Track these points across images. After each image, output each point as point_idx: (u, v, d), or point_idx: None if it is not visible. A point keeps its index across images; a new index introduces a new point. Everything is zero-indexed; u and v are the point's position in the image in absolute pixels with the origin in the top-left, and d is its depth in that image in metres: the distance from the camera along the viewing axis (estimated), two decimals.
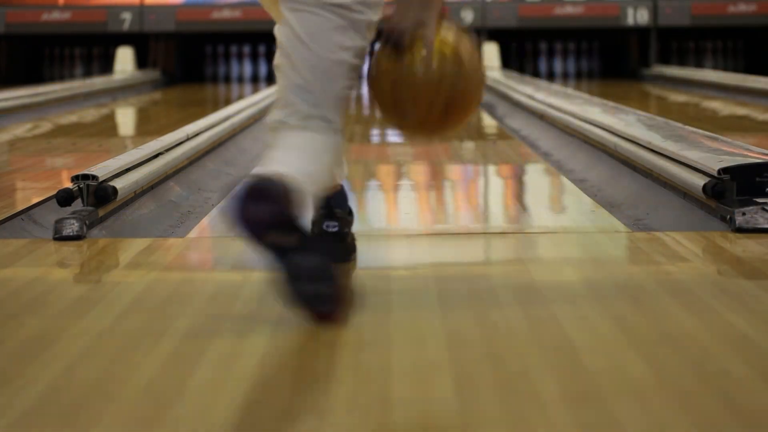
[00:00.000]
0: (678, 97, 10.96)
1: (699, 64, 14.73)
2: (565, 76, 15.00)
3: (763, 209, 3.51)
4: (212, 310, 2.60)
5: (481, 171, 5.75)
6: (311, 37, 2.64)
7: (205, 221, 4.14)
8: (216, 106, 8.60)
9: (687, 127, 5.87)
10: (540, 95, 8.84)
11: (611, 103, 8.02)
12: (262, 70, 14.39)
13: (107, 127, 8.69)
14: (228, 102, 9.68)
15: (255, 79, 14.26)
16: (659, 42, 14.55)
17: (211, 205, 4.62)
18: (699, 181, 3.95)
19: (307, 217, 2.48)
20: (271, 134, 2.67)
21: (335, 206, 3.12)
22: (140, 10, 13.98)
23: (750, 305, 2.59)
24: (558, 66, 15.35)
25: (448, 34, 2.61)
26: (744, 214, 3.51)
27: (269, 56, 13.79)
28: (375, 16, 2.69)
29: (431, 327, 2.43)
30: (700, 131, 5.52)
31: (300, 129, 2.63)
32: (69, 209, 3.67)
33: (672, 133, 5.27)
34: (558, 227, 3.96)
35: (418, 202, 4.70)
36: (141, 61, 14.27)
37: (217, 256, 3.34)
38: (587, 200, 4.51)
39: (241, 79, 14.52)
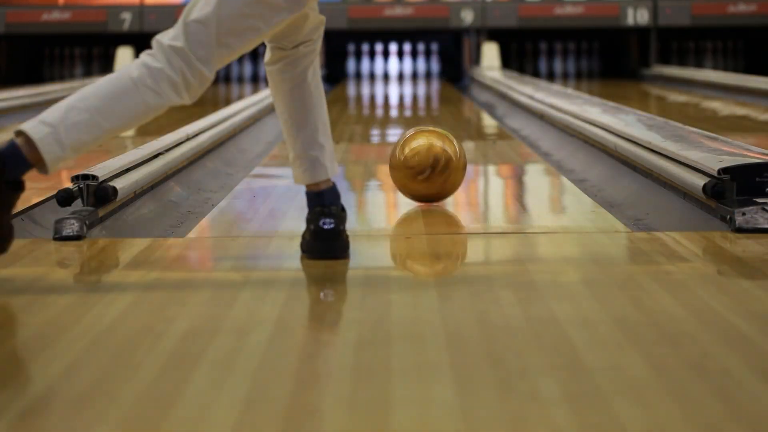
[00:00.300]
0: (678, 97, 10.96)
1: (699, 64, 14.73)
2: (565, 76, 15.00)
3: (763, 209, 3.51)
4: (212, 310, 2.60)
5: (481, 171, 5.75)
6: None
7: (205, 221, 4.14)
8: (216, 106, 8.60)
9: (687, 127, 5.87)
10: (540, 95, 8.84)
11: (611, 103, 8.01)
12: (262, 70, 14.39)
13: None
14: (228, 102, 9.68)
15: (255, 79, 14.26)
16: (659, 42, 14.55)
17: (211, 205, 4.62)
18: (699, 181, 3.95)
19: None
20: None
21: (329, 203, 3.13)
22: (140, 10, 13.98)
23: (750, 305, 2.59)
24: (558, 66, 15.35)
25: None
26: (744, 214, 3.51)
27: None
28: None
29: (431, 327, 2.43)
30: (700, 131, 5.52)
31: None
32: (69, 209, 3.67)
33: (672, 133, 5.27)
34: (558, 227, 3.96)
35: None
36: None
37: (216, 256, 3.34)
38: (587, 200, 4.51)
39: (241, 79, 14.52)
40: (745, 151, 4.22)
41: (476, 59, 14.54)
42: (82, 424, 1.86)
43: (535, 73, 14.76)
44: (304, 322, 2.59)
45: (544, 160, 6.07)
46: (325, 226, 3.10)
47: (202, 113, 7.31)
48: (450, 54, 15.58)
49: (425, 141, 4.21)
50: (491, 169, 5.84)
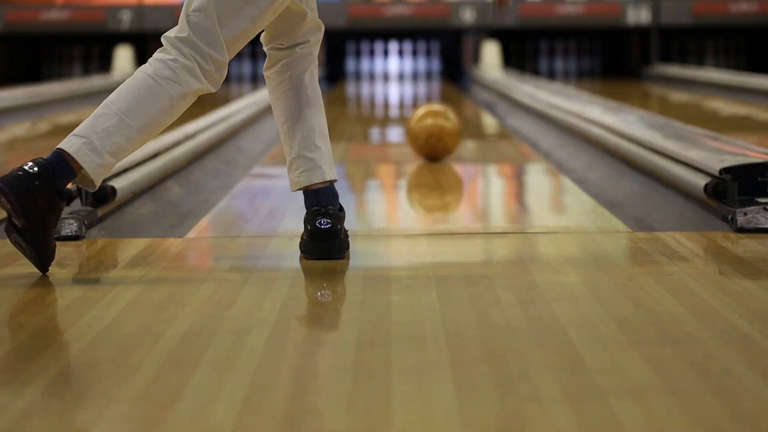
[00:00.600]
0: (679, 96, 10.96)
1: (700, 64, 14.73)
2: (566, 76, 15.00)
3: (765, 209, 3.50)
4: (212, 310, 2.60)
5: (482, 171, 5.74)
6: None
7: (204, 221, 4.14)
8: (215, 106, 8.60)
9: (688, 126, 5.86)
10: (541, 95, 8.84)
11: (612, 103, 8.01)
12: (262, 69, 14.39)
13: None
14: (227, 101, 9.68)
15: (254, 79, 14.26)
16: (660, 41, 14.55)
17: (211, 205, 4.61)
18: (700, 180, 3.95)
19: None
20: None
21: (327, 203, 3.13)
22: (139, 10, 13.98)
23: (751, 305, 2.58)
24: (559, 65, 15.36)
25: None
26: (745, 214, 3.50)
27: None
28: None
29: (431, 327, 2.42)
30: (702, 131, 5.51)
31: None
32: (68, 209, 3.66)
33: (673, 133, 5.27)
34: (558, 227, 3.96)
35: (418, 202, 4.69)
36: (140, 61, 14.28)
37: (216, 256, 3.34)
38: (588, 200, 4.51)
39: (240, 79, 14.52)
40: (747, 151, 4.22)
41: (476, 58, 14.54)
42: (81, 423, 1.86)
43: (536, 73, 14.76)
44: (303, 322, 2.58)
45: (544, 159, 6.07)
46: (322, 226, 3.10)
47: (202, 113, 7.31)
48: (450, 53, 15.58)
49: (425, 119, 5.70)
50: (491, 168, 5.84)
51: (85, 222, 3.57)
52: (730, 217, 3.56)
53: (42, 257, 2.88)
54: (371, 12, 14.22)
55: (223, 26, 2.92)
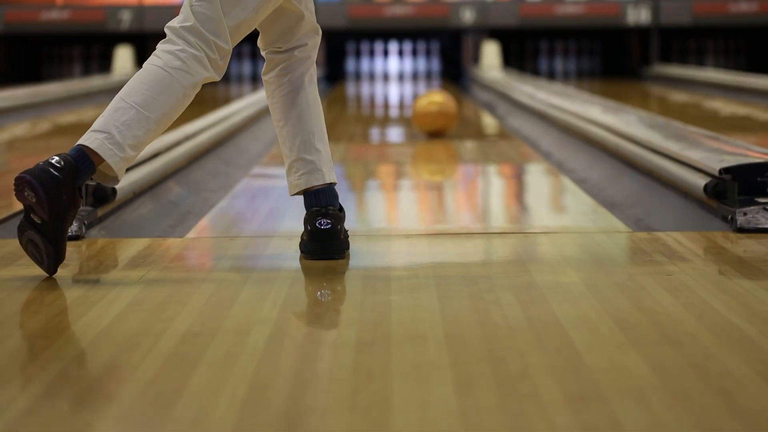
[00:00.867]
0: (679, 96, 10.96)
1: (700, 64, 14.73)
2: (566, 76, 15.00)
3: (765, 209, 3.50)
4: (212, 310, 2.60)
5: (481, 171, 5.74)
6: None
7: (204, 221, 4.14)
8: (215, 106, 8.60)
9: (688, 126, 5.86)
10: (541, 95, 8.84)
11: (612, 103, 8.01)
12: (261, 69, 14.38)
13: None
14: (227, 101, 9.68)
15: (254, 79, 14.26)
16: (660, 41, 14.55)
17: (211, 205, 4.61)
18: (700, 180, 3.95)
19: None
20: None
21: (327, 203, 3.13)
22: (139, 10, 13.98)
23: (751, 305, 2.58)
24: (559, 65, 15.35)
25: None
26: (745, 214, 3.50)
27: None
28: None
29: (431, 327, 2.42)
30: (702, 131, 5.51)
31: None
32: None
33: (673, 133, 5.27)
34: (558, 227, 3.96)
35: (418, 202, 4.69)
36: (140, 61, 14.28)
37: (216, 256, 3.34)
38: (588, 200, 4.51)
39: (240, 79, 14.52)
40: (747, 151, 4.22)
41: (476, 58, 14.54)
42: (81, 423, 1.86)
43: (536, 73, 14.76)
44: (303, 322, 2.58)
45: (544, 159, 6.07)
46: (322, 227, 3.10)
47: (202, 113, 7.31)
48: (450, 53, 15.58)
49: (427, 104, 7.05)
50: (491, 168, 5.84)
51: (85, 222, 3.57)
52: (729, 217, 3.56)
53: (58, 256, 2.87)
54: (371, 12, 14.22)
55: (226, 15, 2.94)
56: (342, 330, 2.49)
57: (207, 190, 5.21)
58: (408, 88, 13.22)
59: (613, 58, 15.24)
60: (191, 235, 3.82)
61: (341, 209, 3.19)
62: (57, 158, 2.83)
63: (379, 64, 15.57)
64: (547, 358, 2.18)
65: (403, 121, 9.23)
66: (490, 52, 14.31)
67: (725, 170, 3.77)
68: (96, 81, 12.50)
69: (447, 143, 6.87)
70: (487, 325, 2.43)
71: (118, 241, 3.52)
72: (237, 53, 14.15)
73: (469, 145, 6.85)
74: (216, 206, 4.50)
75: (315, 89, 3.21)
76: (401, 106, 11.11)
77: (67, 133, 7.67)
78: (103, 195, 3.85)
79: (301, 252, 3.17)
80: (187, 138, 5.81)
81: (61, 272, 3.00)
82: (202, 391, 2.00)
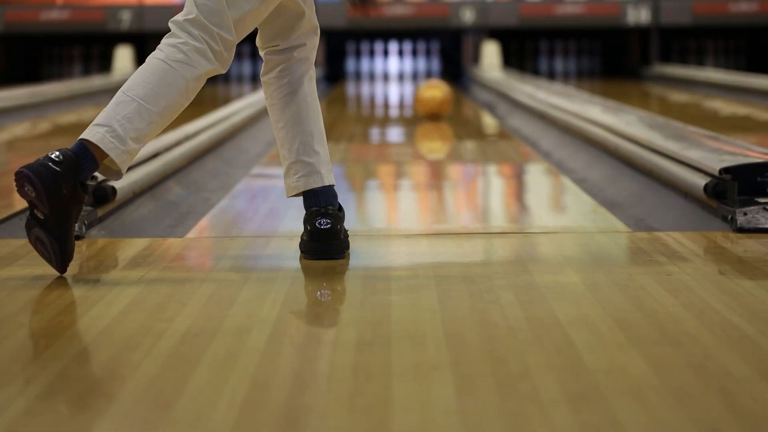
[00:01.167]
0: (679, 96, 10.96)
1: (700, 64, 14.73)
2: (566, 76, 14.99)
3: (765, 209, 3.50)
4: (212, 310, 2.60)
5: (481, 171, 5.74)
6: None
7: (204, 221, 4.14)
8: (215, 106, 8.60)
9: (688, 126, 5.86)
10: (541, 95, 8.84)
11: (612, 103, 8.01)
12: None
13: None
14: (227, 101, 9.68)
15: (254, 79, 14.26)
16: (660, 41, 14.55)
17: (211, 205, 4.61)
18: (700, 180, 3.95)
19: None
20: None
21: (326, 203, 3.13)
22: (139, 10, 13.98)
23: (751, 305, 2.58)
24: (559, 65, 15.35)
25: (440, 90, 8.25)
26: (745, 214, 3.50)
27: None
28: None
29: (431, 327, 2.42)
30: (702, 131, 5.51)
31: None
32: None
33: (673, 133, 5.27)
34: (558, 227, 3.96)
35: (418, 202, 4.69)
36: (140, 61, 14.27)
37: (216, 256, 3.34)
38: (588, 200, 4.51)
39: (240, 79, 14.52)
40: (747, 151, 4.22)
41: (476, 58, 14.54)
42: (81, 423, 1.86)
43: (536, 73, 14.76)
44: (303, 322, 2.58)
45: (544, 159, 6.07)
46: (322, 226, 3.10)
47: (202, 113, 7.31)
48: (450, 53, 15.58)
49: (427, 92, 8.41)
50: (491, 168, 5.84)
51: (85, 222, 3.57)
52: (729, 217, 3.56)
53: (64, 252, 2.86)
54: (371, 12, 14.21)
55: (230, 7, 2.93)
56: (342, 330, 2.49)
57: (207, 190, 5.21)
58: (408, 88, 13.22)
59: (613, 58, 15.24)
60: (191, 235, 3.82)
61: (341, 209, 3.19)
62: (57, 153, 2.83)
63: (379, 64, 15.56)
64: (547, 358, 2.18)
65: (403, 121, 9.23)
66: (490, 52, 14.31)
67: (725, 170, 3.77)
68: (96, 81, 12.50)
69: (445, 144, 6.86)
70: (487, 325, 2.43)
71: (118, 241, 3.52)
72: (237, 53, 14.13)
73: (469, 145, 6.85)
74: (216, 206, 4.50)
75: (314, 91, 3.20)
76: (401, 106, 11.11)
77: (67, 133, 7.67)
78: (103, 195, 3.85)
79: (301, 252, 3.17)
80: (187, 138, 5.81)
81: None
82: (202, 391, 2.00)
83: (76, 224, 3.47)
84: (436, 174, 5.60)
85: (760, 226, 3.47)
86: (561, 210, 4.48)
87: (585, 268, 3.05)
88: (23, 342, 2.37)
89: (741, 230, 3.48)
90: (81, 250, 3.33)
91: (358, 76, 15.37)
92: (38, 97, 10.14)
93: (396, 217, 4.34)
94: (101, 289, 2.81)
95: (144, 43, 14.31)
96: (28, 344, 2.35)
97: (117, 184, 3.96)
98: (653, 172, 4.75)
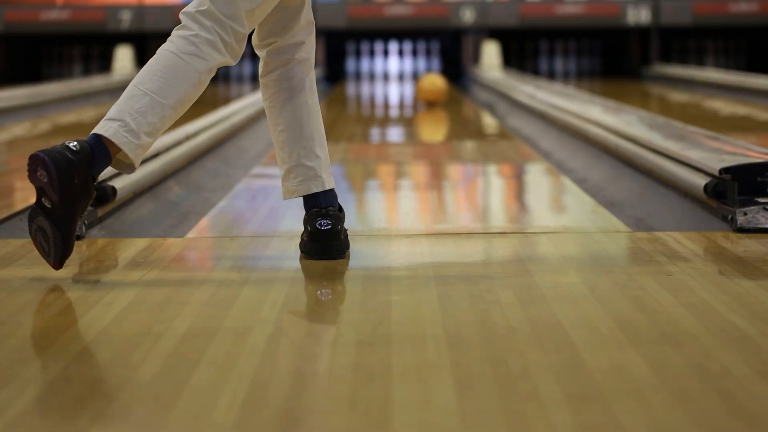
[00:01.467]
0: (679, 96, 10.96)
1: (700, 64, 14.73)
2: (566, 76, 14.99)
3: (765, 209, 3.50)
4: (212, 310, 2.60)
5: (481, 171, 5.74)
6: None
7: (204, 221, 4.14)
8: (215, 106, 8.60)
9: (688, 126, 5.86)
10: (541, 95, 8.84)
11: (612, 103, 8.01)
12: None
13: None
14: (227, 101, 9.68)
15: (254, 79, 14.26)
16: (660, 41, 14.55)
17: (211, 205, 4.61)
18: (700, 180, 3.95)
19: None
20: None
21: (327, 204, 3.12)
22: (139, 10, 13.98)
23: (751, 305, 2.58)
24: (559, 65, 15.35)
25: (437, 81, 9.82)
26: (745, 214, 3.50)
27: None
28: None
29: (431, 327, 2.42)
30: (702, 131, 5.51)
31: None
32: None
33: (673, 133, 5.27)
34: (559, 227, 3.96)
35: (418, 202, 4.69)
36: (140, 61, 14.28)
37: (216, 256, 3.34)
38: (588, 200, 4.51)
39: (240, 79, 14.52)
40: (747, 151, 4.22)
41: (476, 58, 14.54)
42: (81, 424, 1.86)
43: (536, 73, 14.76)
44: (304, 322, 2.58)
45: (544, 159, 6.07)
46: (322, 227, 3.10)
47: (202, 113, 7.31)
48: (450, 53, 15.58)
49: (427, 82, 9.95)
50: (491, 168, 5.84)
51: (85, 222, 3.57)
52: (730, 217, 3.56)
53: (65, 245, 2.83)
54: (371, 12, 14.22)
55: None
56: (342, 330, 2.49)
57: (207, 190, 5.21)
58: (408, 88, 13.22)
59: (613, 58, 15.24)
60: (191, 235, 3.82)
61: (341, 209, 3.19)
62: (74, 143, 2.80)
63: (379, 64, 15.57)
64: (547, 358, 2.18)
65: (403, 121, 9.23)
66: (490, 52, 14.31)
67: (725, 170, 3.77)
68: (96, 81, 12.49)
69: (447, 144, 6.85)
70: (487, 325, 2.43)
71: (118, 241, 3.52)
72: None
73: (469, 145, 6.85)
74: (216, 206, 4.50)
75: (315, 93, 3.18)
76: (401, 106, 11.11)
77: (67, 133, 7.67)
78: (103, 195, 3.85)
79: (301, 252, 3.17)
80: (188, 138, 5.81)
81: (61, 272, 3.00)
82: (202, 391, 2.00)
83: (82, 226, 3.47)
84: (436, 174, 5.60)
85: (760, 226, 3.47)
86: (561, 210, 4.48)
87: (585, 268, 3.05)
88: (23, 342, 2.37)
89: (741, 230, 3.48)
90: (81, 250, 3.33)
91: (358, 76, 15.37)
92: (38, 97, 10.14)
93: (396, 217, 4.34)
94: (101, 290, 2.81)
95: (144, 43, 14.31)
96: (28, 344, 2.35)
97: (117, 184, 3.96)
98: (653, 172, 4.75)
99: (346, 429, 1.83)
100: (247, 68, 14.76)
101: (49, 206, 2.80)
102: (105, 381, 2.09)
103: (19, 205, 4.11)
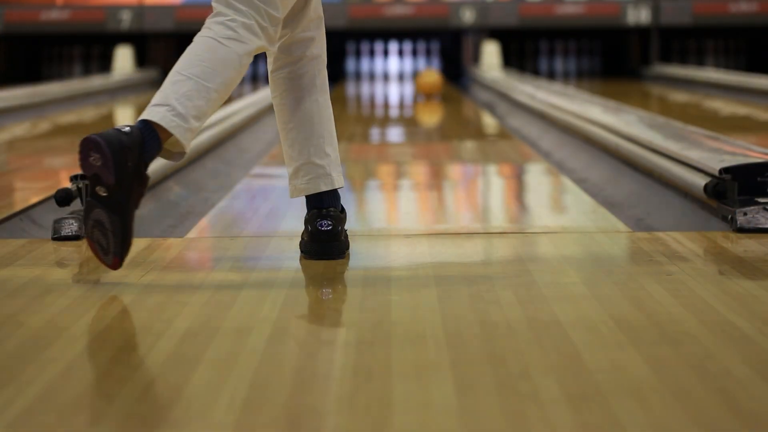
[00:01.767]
0: (679, 96, 10.96)
1: (700, 64, 14.73)
2: (566, 76, 14.99)
3: (765, 209, 3.50)
4: (212, 310, 2.60)
5: (481, 171, 5.74)
6: None
7: (204, 221, 4.14)
8: None
9: (688, 126, 5.86)
10: (541, 95, 8.84)
11: (612, 103, 8.01)
12: (261, 69, 14.39)
13: (106, 126, 8.66)
14: (227, 101, 9.67)
15: (254, 79, 14.26)
16: (660, 41, 14.55)
17: (211, 205, 4.61)
18: (700, 180, 3.95)
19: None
20: None
21: (329, 205, 3.12)
22: (139, 10, 13.98)
23: (751, 305, 2.58)
24: (559, 65, 15.35)
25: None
26: (745, 214, 3.50)
27: None
28: None
29: (431, 327, 2.42)
30: (702, 131, 5.51)
31: None
32: (68, 209, 3.66)
33: (673, 133, 5.27)
34: (558, 227, 3.96)
35: (418, 202, 4.69)
36: (140, 61, 14.28)
37: (216, 256, 3.34)
38: (588, 200, 4.51)
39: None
40: (747, 151, 4.22)
41: (476, 58, 14.54)
42: (81, 424, 1.86)
43: (536, 73, 14.76)
44: (303, 322, 2.58)
45: (544, 159, 6.07)
46: (322, 228, 3.09)
47: None
48: (450, 53, 15.58)
49: (424, 75, 11.24)
50: (491, 168, 5.84)
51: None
52: (730, 217, 3.56)
53: (125, 234, 2.76)
54: (371, 12, 14.22)
55: None
56: (342, 330, 2.49)
57: (207, 190, 5.21)
58: (408, 88, 13.22)
59: (613, 58, 15.24)
60: (191, 235, 3.82)
61: (343, 210, 3.18)
62: (126, 126, 2.77)
63: (379, 64, 15.56)
64: (547, 358, 2.18)
65: (403, 121, 9.23)
66: (490, 52, 14.31)
67: (725, 170, 3.77)
68: (96, 81, 12.49)
69: (447, 144, 6.85)
70: (487, 325, 2.43)
71: None
72: None
73: (469, 145, 6.85)
74: (216, 206, 4.50)
75: (326, 91, 3.15)
76: (401, 106, 11.11)
77: (67, 133, 7.67)
78: None
79: (302, 252, 3.17)
80: None
81: (61, 272, 3.01)
82: (202, 391, 2.00)
83: (76, 225, 3.46)
84: (436, 174, 5.60)
85: (760, 226, 3.47)
86: (561, 210, 4.48)
87: (585, 268, 3.05)
88: (23, 342, 2.37)
89: (741, 230, 3.48)
90: (81, 250, 3.33)
91: (358, 76, 15.37)
92: (38, 97, 10.14)
93: (396, 217, 4.34)
94: (101, 290, 2.81)
95: (144, 43, 14.31)
96: (28, 344, 2.35)
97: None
98: (653, 172, 4.75)
99: (346, 429, 1.83)
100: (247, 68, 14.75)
101: (104, 194, 2.74)
102: (104, 381, 2.09)
103: (19, 205, 4.11)
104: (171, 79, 2.84)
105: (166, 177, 5.04)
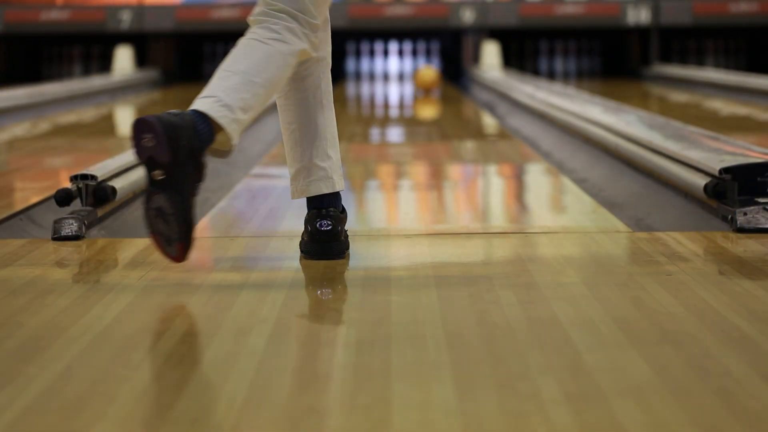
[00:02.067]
0: (679, 96, 10.95)
1: (700, 64, 14.73)
2: (566, 76, 14.99)
3: (765, 209, 3.50)
4: (212, 310, 2.60)
5: (481, 171, 5.74)
6: None
7: (204, 221, 4.14)
8: None
9: (688, 126, 5.86)
10: (541, 95, 8.84)
11: (612, 103, 8.01)
12: None
13: (106, 126, 8.69)
14: None
15: None
16: (660, 41, 14.55)
17: (211, 205, 4.61)
18: (700, 180, 3.95)
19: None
20: None
21: (329, 205, 3.12)
22: (139, 10, 13.98)
23: (751, 305, 2.58)
24: (559, 65, 15.36)
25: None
26: (745, 214, 3.50)
27: None
28: None
29: (431, 327, 2.42)
30: (702, 131, 5.51)
31: None
32: (68, 209, 3.66)
33: (673, 133, 5.27)
34: (558, 227, 3.96)
35: (418, 202, 4.69)
36: (140, 61, 14.28)
37: (216, 256, 3.34)
38: (588, 200, 4.51)
39: None
40: (747, 151, 4.22)
41: (476, 58, 14.54)
42: (81, 424, 1.86)
43: (536, 73, 14.76)
44: (303, 322, 2.58)
45: (544, 159, 6.07)
46: (322, 228, 3.09)
47: None
48: (450, 53, 15.59)
49: (422, 71, 11.87)
50: (491, 168, 5.84)
51: (85, 222, 3.57)
52: (730, 217, 3.56)
53: (187, 219, 2.74)
54: (371, 12, 14.22)
55: None
56: (342, 330, 2.49)
57: (207, 190, 5.21)
58: (408, 88, 13.22)
59: (613, 58, 15.24)
60: None
61: (343, 210, 3.18)
62: (175, 111, 2.78)
63: (379, 64, 15.57)
64: (547, 358, 2.18)
65: (403, 121, 9.23)
66: (490, 52, 14.31)
67: (725, 170, 3.77)
68: (96, 81, 12.49)
69: (447, 144, 6.85)
70: (487, 325, 2.43)
71: (118, 241, 3.52)
72: None
73: (469, 145, 6.85)
74: (216, 206, 4.50)
75: (330, 93, 3.15)
76: (401, 106, 11.11)
77: (67, 133, 7.67)
78: (103, 195, 3.85)
79: (301, 252, 3.17)
80: None
81: (61, 272, 3.01)
82: (202, 391, 2.00)
83: (76, 225, 3.46)
84: (436, 174, 5.60)
85: (760, 226, 3.47)
86: (561, 210, 4.48)
87: (585, 268, 3.05)
88: (23, 342, 2.37)
89: (741, 230, 3.48)
90: (81, 250, 3.33)
91: (358, 76, 15.37)
92: (38, 97, 10.14)
93: (396, 217, 4.34)
94: (101, 290, 2.81)
95: (144, 43, 14.31)
96: (28, 344, 2.35)
97: (117, 184, 3.96)
98: (653, 172, 4.75)
99: (346, 429, 1.83)
100: None
101: (161, 177, 2.73)
102: (104, 381, 2.08)
103: (19, 205, 4.11)
104: (217, 75, 2.88)
105: None
